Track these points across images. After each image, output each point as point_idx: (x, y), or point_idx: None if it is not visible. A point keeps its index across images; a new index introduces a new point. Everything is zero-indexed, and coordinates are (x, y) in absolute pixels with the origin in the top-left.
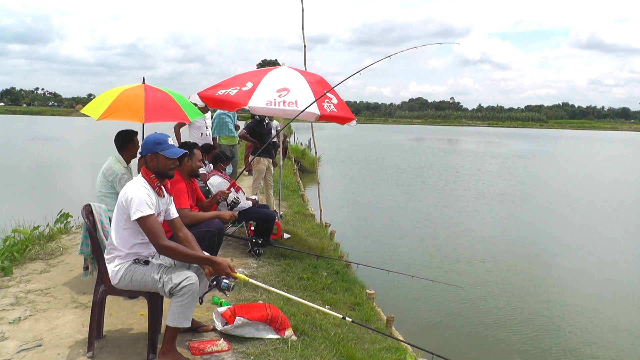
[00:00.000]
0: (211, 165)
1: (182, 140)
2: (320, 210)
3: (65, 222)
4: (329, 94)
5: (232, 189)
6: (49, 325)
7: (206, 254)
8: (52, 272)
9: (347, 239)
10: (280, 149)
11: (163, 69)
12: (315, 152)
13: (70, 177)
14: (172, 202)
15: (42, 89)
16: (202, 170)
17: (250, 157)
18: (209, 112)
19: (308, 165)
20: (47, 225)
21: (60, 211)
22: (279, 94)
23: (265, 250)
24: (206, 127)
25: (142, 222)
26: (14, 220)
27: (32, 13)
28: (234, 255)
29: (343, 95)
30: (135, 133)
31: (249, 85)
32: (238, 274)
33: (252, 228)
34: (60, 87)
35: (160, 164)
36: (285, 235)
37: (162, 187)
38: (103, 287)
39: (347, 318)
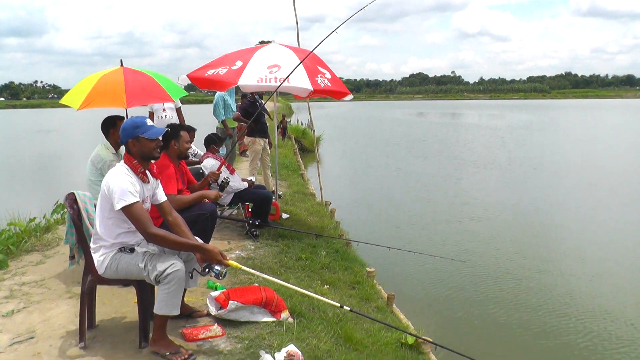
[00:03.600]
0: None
1: None
2: (321, 189)
3: (62, 212)
4: (321, 69)
5: (222, 170)
6: (42, 317)
7: (198, 240)
8: (48, 263)
9: (348, 217)
10: (276, 130)
11: (161, 55)
12: (314, 131)
13: (69, 167)
14: (159, 186)
15: (41, 82)
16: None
17: (246, 139)
18: None
19: (308, 144)
20: (43, 217)
21: (57, 202)
22: (269, 71)
23: (263, 231)
24: (163, 110)
25: (127, 210)
26: (9, 213)
27: (26, 5)
28: (231, 237)
29: (342, 72)
30: (121, 118)
31: (239, 63)
32: (230, 262)
33: (250, 210)
34: (59, 78)
35: (144, 147)
36: (284, 216)
37: (147, 171)
38: (91, 277)
39: (345, 307)
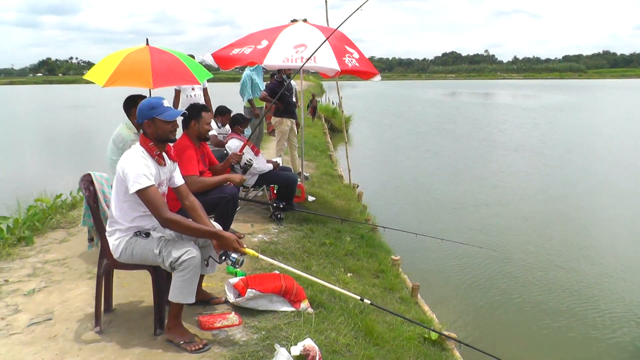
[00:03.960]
0: (228, 128)
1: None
2: (349, 171)
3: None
4: (349, 49)
5: (246, 152)
6: (61, 298)
7: (216, 225)
8: (71, 241)
9: (375, 200)
10: (301, 110)
11: (193, 33)
12: (342, 111)
13: (98, 144)
14: (177, 169)
15: (77, 58)
16: (213, 132)
17: (273, 119)
18: None
19: (339, 124)
20: (70, 193)
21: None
22: (295, 50)
23: (288, 214)
24: (192, 89)
25: (141, 194)
26: (36, 189)
27: None
28: (255, 220)
29: (374, 51)
30: (143, 97)
31: (265, 43)
32: (247, 249)
33: (275, 192)
34: (94, 55)
35: (159, 129)
36: (310, 198)
37: (164, 154)
38: (106, 261)
39: (365, 299)
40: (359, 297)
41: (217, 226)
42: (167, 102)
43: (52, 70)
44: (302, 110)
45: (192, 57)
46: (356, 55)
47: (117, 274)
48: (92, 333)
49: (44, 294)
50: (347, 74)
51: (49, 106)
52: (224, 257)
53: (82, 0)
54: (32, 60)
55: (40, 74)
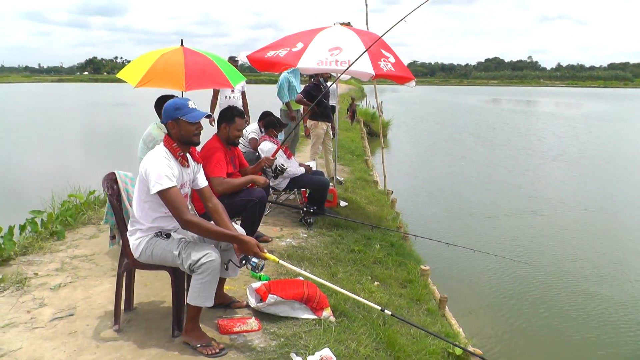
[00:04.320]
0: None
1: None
2: (385, 177)
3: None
4: (385, 52)
5: (279, 156)
6: (85, 294)
7: (239, 229)
8: (100, 237)
9: (409, 207)
10: (336, 113)
11: (237, 35)
12: (380, 115)
13: (135, 142)
14: (201, 170)
15: (121, 58)
16: (253, 135)
17: (308, 122)
18: None
19: (377, 128)
20: (102, 190)
21: None
22: (330, 53)
23: (318, 219)
24: (232, 90)
25: (163, 195)
26: (71, 185)
27: None
28: (285, 224)
29: (416, 56)
30: (174, 97)
31: (300, 45)
32: (267, 254)
33: (307, 196)
34: (137, 55)
35: (183, 130)
36: (342, 203)
37: (188, 155)
38: (127, 260)
39: (386, 310)
40: (379, 308)
41: (240, 230)
42: (193, 104)
43: (97, 69)
44: (337, 113)
45: (234, 58)
46: (392, 60)
47: (141, 274)
48: (110, 331)
49: (69, 289)
50: (382, 78)
51: (92, 104)
52: (244, 262)
53: (129, 2)
54: (79, 59)
55: (87, 72)
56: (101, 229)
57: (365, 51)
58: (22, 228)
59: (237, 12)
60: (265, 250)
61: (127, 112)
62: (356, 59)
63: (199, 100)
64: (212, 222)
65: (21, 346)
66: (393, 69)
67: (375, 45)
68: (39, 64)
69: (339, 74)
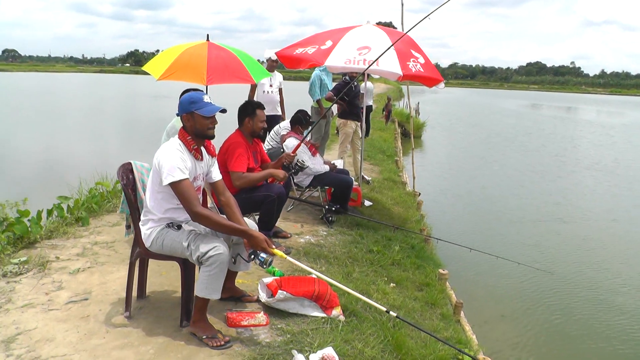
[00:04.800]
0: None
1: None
2: (414, 178)
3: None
4: (415, 53)
5: (302, 152)
6: (101, 280)
7: (249, 222)
8: (122, 225)
9: (434, 209)
10: (365, 113)
11: (279, 31)
12: (414, 114)
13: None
14: (215, 164)
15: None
16: (285, 131)
17: (337, 121)
18: (276, 71)
19: (411, 129)
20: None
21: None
22: (359, 52)
23: (340, 218)
24: (270, 85)
25: (174, 187)
26: (98, 173)
27: None
28: (306, 220)
29: (458, 57)
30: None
31: (329, 43)
32: (275, 250)
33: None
34: None
35: (197, 124)
36: (367, 203)
37: (202, 148)
38: (138, 249)
39: (391, 312)
40: (384, 309)
41: (251, 224)
42: (208, 98)
43: (138, 61)
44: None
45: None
46: (422, 60)
47: (158, 263)
48: (121, 317)
49: (86, 274)
50: (410, 79)
51: (130, 95)
52: (252, 256)
53: None
54: (121, 51)
55: (128, 65)
56: (124, 217)
57: (390, 46)
58: (49, 213)
59: (280, 8)
60: (274, 246)
61: (163, 104)
62: (380, 55)
63: (218, 95)
64: (224, 215)
65: (36, 326)
66: (422, 70)
67: (405, 46)
68: (83, 55)
69: (363, 72)
